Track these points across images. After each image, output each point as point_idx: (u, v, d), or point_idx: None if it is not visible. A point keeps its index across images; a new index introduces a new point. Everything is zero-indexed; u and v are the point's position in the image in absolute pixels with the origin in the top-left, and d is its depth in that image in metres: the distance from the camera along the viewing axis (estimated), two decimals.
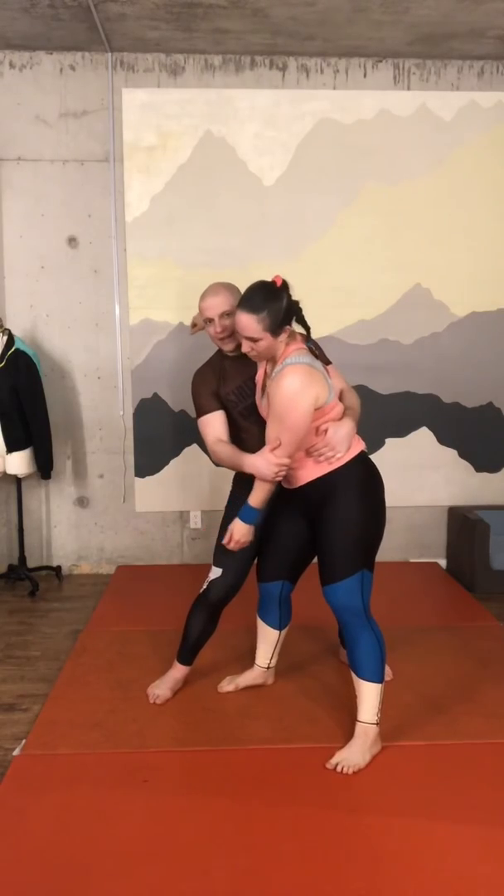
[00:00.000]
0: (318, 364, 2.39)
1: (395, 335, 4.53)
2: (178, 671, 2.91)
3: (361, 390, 4.53)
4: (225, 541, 2.58)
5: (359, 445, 2.49)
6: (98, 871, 1.95)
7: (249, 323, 2.30)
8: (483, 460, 4.70)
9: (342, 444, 2.40)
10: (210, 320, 2.63)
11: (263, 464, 2.39)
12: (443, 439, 4.66)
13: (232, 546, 2.56)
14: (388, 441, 4.62)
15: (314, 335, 2.49)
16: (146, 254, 4.38)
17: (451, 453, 4.68)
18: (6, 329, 4.12)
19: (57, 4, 3.66)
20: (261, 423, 2.58)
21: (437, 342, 4.55)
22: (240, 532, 2.53)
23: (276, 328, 2.32)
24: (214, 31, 3.96)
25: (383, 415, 4.57)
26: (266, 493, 2.48)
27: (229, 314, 2.57)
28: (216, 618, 2.83)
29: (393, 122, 4.36)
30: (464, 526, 4.39)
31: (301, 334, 2.46)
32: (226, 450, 2.59)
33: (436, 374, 4.58)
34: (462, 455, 4.68)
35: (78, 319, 4.47)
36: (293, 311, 2.38)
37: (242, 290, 2.56)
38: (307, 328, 2.45)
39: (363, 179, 4.39)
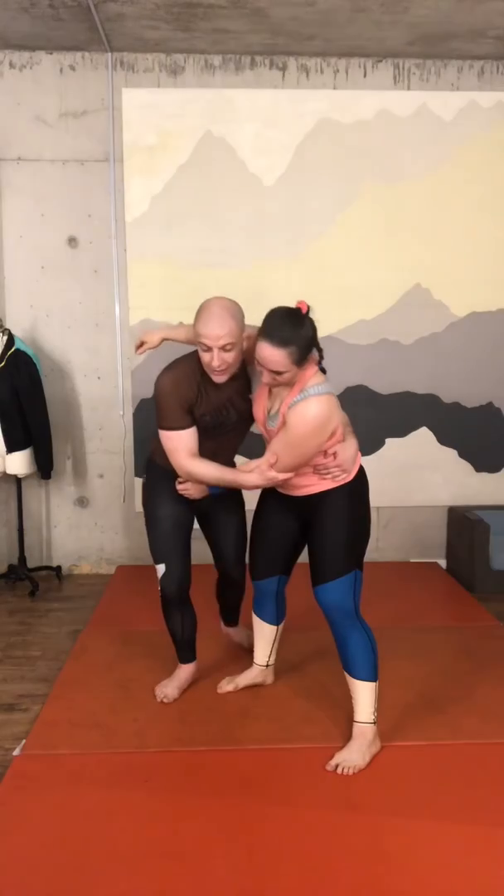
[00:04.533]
0: (332, 387, 2.35)
1: (395, 335, 4.53)
2: (184, 671, 2.92)
3: (361, 390, 4.54)
4: (181, 488, 2.65)
5: (359, 459, 2.50)
6: (98, 871, 1.96)
7: (279, 358, 2.19)
8: (483, 460, 4.70)
9: (349, 462, 2.41)
10: (208, 349, 2.36)
11: (265, 483, 2.43)
12: (443, 439, 4.66)
13: (183, 489, 2.65)
14: (388, 441, 4.62)
15: None
16: (146, 254, 4.38)
17: (451, 453, 4.68)
18: (6, 329, 4.13)
19: (57, 4, 3.66)
20: (218, 441, 2.59)
21: (437, 342, 4.55)
22: (198, 490, 2.65)
23: (302, 359, 2.24)
24: (214, 31, 3.96)
25: (383, 415, 4.57)
26: (237, 488, 2.61)
27: (233, 347, 2.36)
28: (187, 609, 2.82)
29: (393, 122, 4.36)
30: (464, 526, 4.39)
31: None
32: (209, 468, 2.49)
33: (436, 375, 4.58)
34: (462, 455, 4.68)
35: (78, 319, 4.47)
36: (316, 337, 2.28)
37: (243, 302, 2.45)
38: (320, 351, 2.35)
39: (363, 179, 4.39)
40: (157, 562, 2.74)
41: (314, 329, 2.27)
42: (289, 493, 2.53)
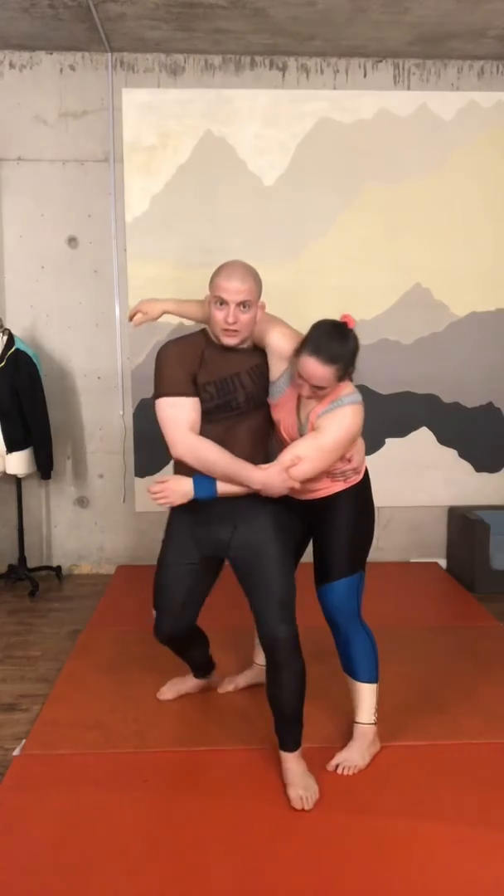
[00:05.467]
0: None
1: (395, 335, 4.53)
2: (192, 681, 2.92)
3: (361, 390, 4.49)
4: (156, 490, 2.23)
5: (365, 460, 2.52)
6: (98, 871, 1.96)
7: (326, 374, 2.12)
8: (483, 460, 4.70)
9: (361, 464, 2.43)
10: (223, 303, 2.17)
11: (279, 484, 2.18)
12: (443, 439, 4.66)
13: (157, 492, 2.22)
14: (388, 441, 4.62)
15: None
16: (146, 254, 4.38)
17: (451, 453, 4.68)
18: (6, 329, 4.13)
19: (57, 4, 3.66)
20: (223, 426, 2.26)
21: (437, 342, 4.55)
22: (179, 495, 2.21)
23: (345, 374, 2.21)
24: (214, 31, 3.96)
25: (383, 415, 4.57)
26: (238, 492, 2.24)
27: (249, 308, 2.19)
28: (188, 638, 2.67)
29: (393, 122, 4.36)
30: (464, 526, 4.39)
31: None
32: (213, 449, 2.17)
33: (436, 374, 4.58)
34: (462, 455, 4.68)
35: (78, 319, 4.47)
36: (357, 352, 2.23)
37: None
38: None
39: (363, 179, 4.39)
40: (154, 607, 2.54)
41: (357, 343, 2.22)
42: (299, 497, 2.51)
